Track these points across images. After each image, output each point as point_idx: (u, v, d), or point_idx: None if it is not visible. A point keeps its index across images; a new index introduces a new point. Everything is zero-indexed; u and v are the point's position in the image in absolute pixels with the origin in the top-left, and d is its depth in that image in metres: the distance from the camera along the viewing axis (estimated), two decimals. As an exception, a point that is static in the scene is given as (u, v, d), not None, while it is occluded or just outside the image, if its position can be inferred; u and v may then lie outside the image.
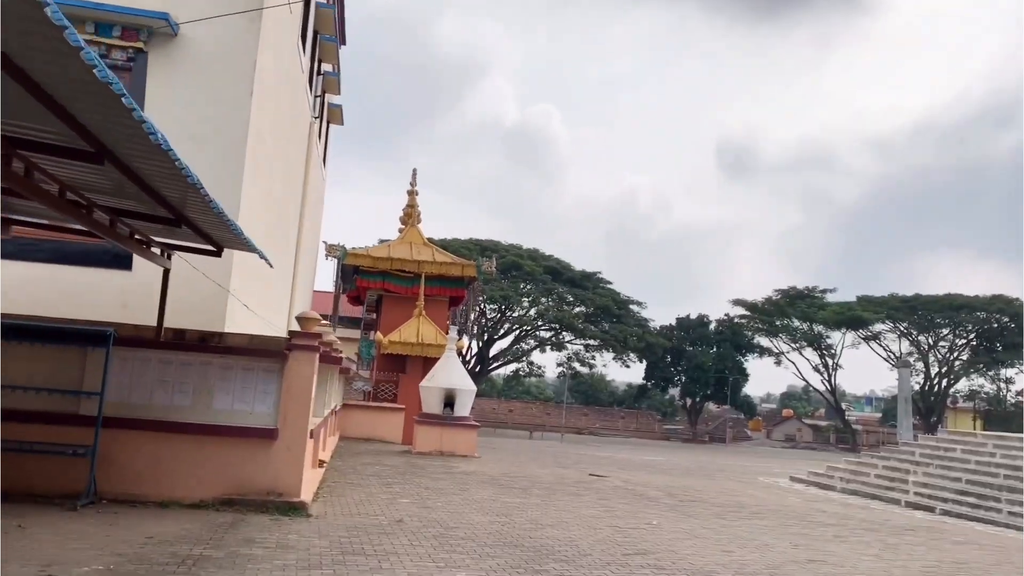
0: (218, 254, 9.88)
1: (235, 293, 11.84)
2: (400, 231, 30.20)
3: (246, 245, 8.63)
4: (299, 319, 10.16)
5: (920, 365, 62.00)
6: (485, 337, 59.62)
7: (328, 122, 25.82)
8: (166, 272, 10.03)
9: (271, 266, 9.76)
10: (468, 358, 60.86)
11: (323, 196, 27.26)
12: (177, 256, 10.42)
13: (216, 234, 8.88)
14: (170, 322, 10.53)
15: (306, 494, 10.22)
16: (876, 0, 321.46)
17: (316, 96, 20.86)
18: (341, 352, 17.26)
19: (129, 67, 11.63)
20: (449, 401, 20.95)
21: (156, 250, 9.72)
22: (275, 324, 15.89)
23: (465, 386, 21.12)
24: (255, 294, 13.88)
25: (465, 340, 38.49)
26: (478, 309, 35.06)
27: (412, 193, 30.55)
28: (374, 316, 29.06)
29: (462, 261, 28.32)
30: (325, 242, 27.26)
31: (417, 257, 27.88)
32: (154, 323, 10.27)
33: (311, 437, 10.49)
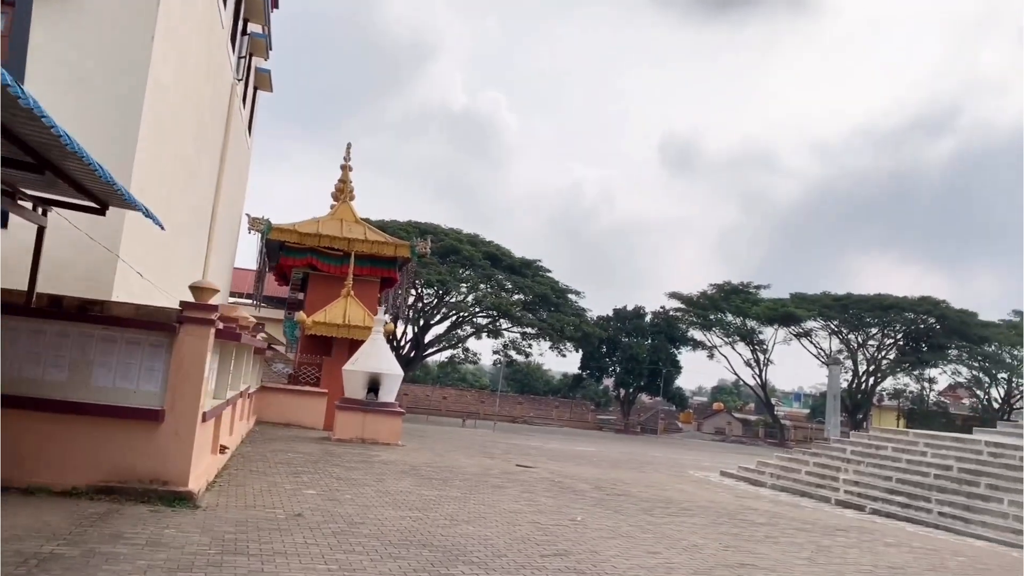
0: (102, 212, 8.74)
1: (128, 259, 10.69)
2: (332, 208, 28.94)
3: (126, 200, 7.54)
4: (193, 288, 9.11)
5: (849, 363, 63.08)
6: (421, 322, 58.53)
7: (255, 88, 24.44)
8: (40, 230, 8.85)
9: (162, 228, 8.66)
10: (402, 343, 59.75)
11: (247, 165, 25.85)
12: (60, 214, 9.23)
13: (94, 187, 7.76)
14: (50, 288, 9.36)
15: (197, 483, 9.21)
16: (822, 4, 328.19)
17: (241, 57, 19.55)
18: (255, 330, 16.14)
19: (12, 0, 10.34)
20: (373, 386, 19.97)
21: (27, 204, 8.53)
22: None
23: (391, 371, 20.16)
24: (157, 265, 12.70)
25: (399, 325, 37.46)
26: (413, 292, 33.95)
27: (345, 168, 29.30)
28: (300, 296, 27.79)
29: (395, 240, 27.23)
30: (248, 215, 25.90)
31: (348, 235, 26.71)
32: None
33: (204, 420, 9.46)
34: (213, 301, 9.34)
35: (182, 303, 9.08)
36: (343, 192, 28.98)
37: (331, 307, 24.31)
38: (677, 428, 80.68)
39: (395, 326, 31.09)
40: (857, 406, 70.91)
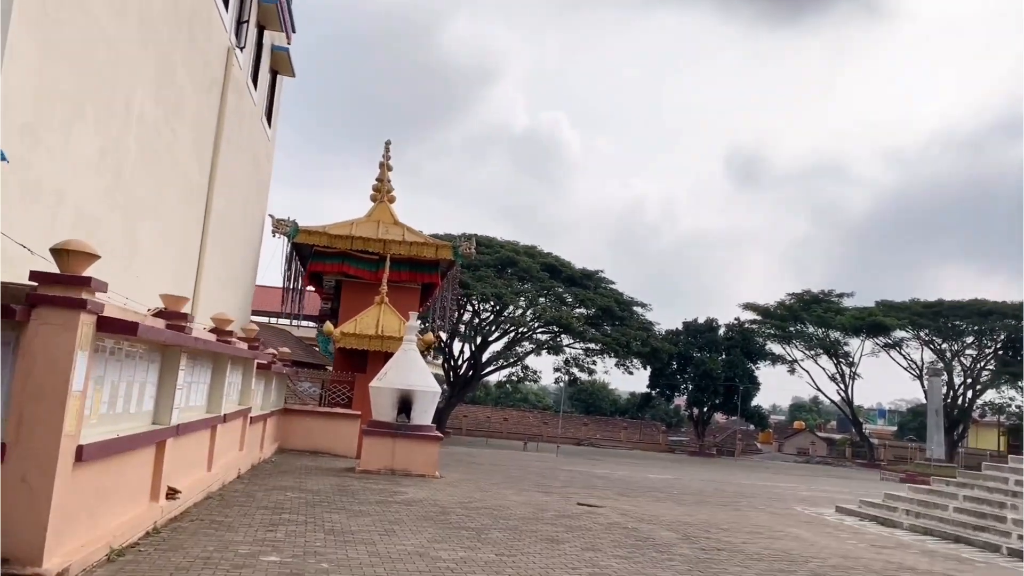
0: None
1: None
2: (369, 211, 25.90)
3: None
4: (55, 252, 5.85)
5: (943, 375, 57.24)
6: (478, 339, 55.31)
7: (274, 71, 21.56)
8: None
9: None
10: (459, 362, 56.58)
11: (268, 158, 22.99)
12: None
13: None
14: None
15: (67, 558, 5.88)
16: (894, 7, 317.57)
17: (242, 21, 16.59)
18: (254, 342, 12.97)
19: None
20: (405, 406, 16.61)
21: None
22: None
23: (426, 387, 16.77)
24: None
25: (444, 335, 34.19)
26: (461, 304, 30.64)
27: (384, 166, 26.28)
28: (329, 305, 24.76)
29: (436, 241, 23.98)
30: (271, 216, 22.98)
31: (383, 236, 23.59)
32: None
33: (83, 459, 6.13)
34: (228, 319, 6.07)
35: (34, 275, 5.82)
36: (380, 192, 25.94)
37: (363, 316, 21.13)
38: (756, 449, 75.42)
39: (436, 336, 27.92)
40: (954, 423, 64.77)
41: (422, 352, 20.50)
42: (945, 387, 66.19)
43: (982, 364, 62.07)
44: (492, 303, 53.09)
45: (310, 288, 26.07)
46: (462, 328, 54.08)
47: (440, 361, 60.57)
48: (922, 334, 63.43)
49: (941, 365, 58.15)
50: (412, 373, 16.86)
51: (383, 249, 23.23)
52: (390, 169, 26.27)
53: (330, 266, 23.77)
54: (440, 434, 16.93)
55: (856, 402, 70.95)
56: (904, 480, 41.04)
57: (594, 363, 58.17)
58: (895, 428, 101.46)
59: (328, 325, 20.63)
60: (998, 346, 62.19)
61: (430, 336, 20.91)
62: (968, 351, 63.41)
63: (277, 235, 22.92)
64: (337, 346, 20.98)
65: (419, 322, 17.92)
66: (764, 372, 67.25)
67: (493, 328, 54.90)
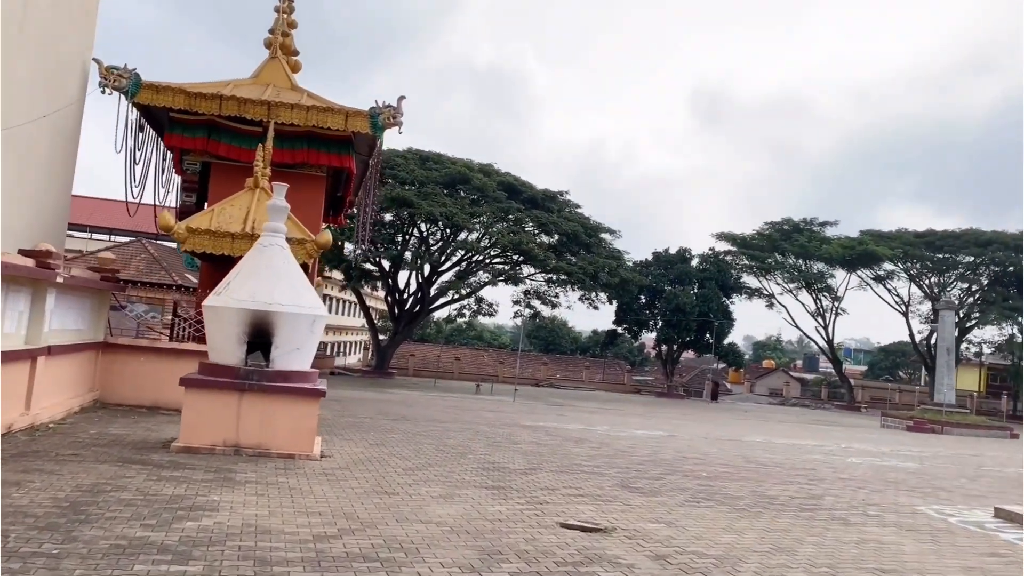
0: None
1: None
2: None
3: None
4: None
5: (955, 309, 51.92)
6: (426, 269, 48.39)
7: None
8: None
9: None
10: (404, 295, 49.68)
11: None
12: None
13: None
14: None
15: None
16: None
17: None
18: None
19: None
20: (260, 339, 9.76)
21: None
22: None
23: (297, 308, 9.86)
24: None
25: (362, 247, 27.22)
26: (377, 197, 23.47)
27: (283, 10, 18.89)
28: (192, 199, 17.53)
29: (344, 107, 16.76)
30: (97, 61, 15.56)
31: (269, 98, 16.36)
32: None
33: None
34: None
35: None
36: (275, 45, 18.60)
37: (225, 205, 14.03)
38: (726, 390, 70.36)
39: (361, 245, 21.32)
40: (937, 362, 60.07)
41: (306, 262, 13.57)
42: (928, 325, 61.50)
43: (976, 298, 57.04)
44: (442, 226, 46.03)
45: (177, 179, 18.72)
46: (408, 256, 47.08)
47: (383, 294, 53.73)
48: (910, 267, 58.13)
49: (955, 297, 52.86)
50: (276, 284, 9.94)
51: (267, 115, 16.02)
52: (289, 12, 18.89)
53: (192, 140, 16.48)
54: (322, 387, 10.08)
55: (816, 342, 65.90)
56: (912, 428, 35.66)
57: (557, 296, 51.77)
58: (865, 368, 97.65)
59: (165, 216, 13.45)
60: (984, 282, 57.16)
61: (326, 236, 13.93)
62: (960, 285, 58.32)
63: (108, 90, 15.55)
64: (184, 249, 13.89)
65: (286, 203, 10.89)
66: (736, 307, 61.56)
67: (443, 256, 47.96)
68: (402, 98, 16.65)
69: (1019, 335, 55.32)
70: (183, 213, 16.67)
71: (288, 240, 13.51)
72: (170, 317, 14.53)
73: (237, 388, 9.58)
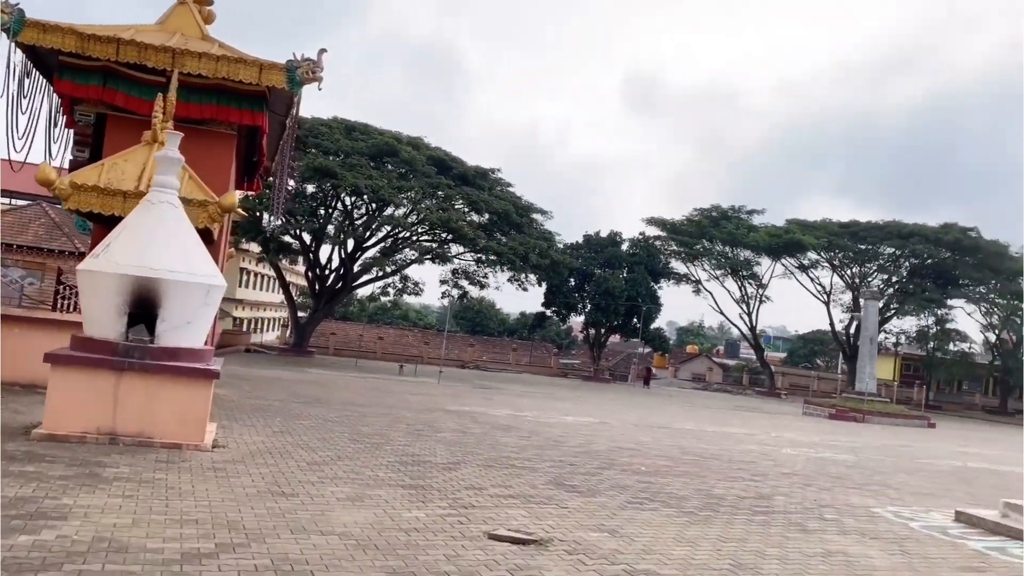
0: None
1: None
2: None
3: None
4: None
5: (881, 298, 52.91)
6: (350, 244, 46.64)
7: None
8: None
9: None
10: (326, 270, 47.83)
11: None
12: None
13: None
14: None
15: None
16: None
17: None
18: None
19: None
20: (143, 310, 8.39)
21: None
22: None
23: (188, 275, 8.52)
24: None
25: (277, 215, 25.55)
26: (293, 161, 21.94)
27: (191, -47, 17.11)
28: (86, 154, 15.80)
29: (260, 60, 15.25)
30: (-30, -11, 13.67)
31: (175, 44, 14.72)
32: None
33: None
34: None
35: None
36: (184, -10, 16.85)
37: (117, 160, 12.45)
38: (651, 374, 70.60)
39: (274, 211, 19.97)
40: (856, 350, 61.48)
41: (209, 226, 12.15)
42: (848, 315, 62.79)
43: (895, 289, 58.33)
44: (367, 199, 44.34)
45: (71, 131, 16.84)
46: (330, 229, 45.24)
47: (303, 269, 51.73)
48: (833, 256, 59.08)
49: (877, 288, 53.86)
50: (165, 248, 8.56)
51: (171, 63, 14.38)
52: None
53: (85, 88, 14.70)
54: (214, 368, 8.75)
55: (738, 328, 66.75)
56: (835, 416, 35.97)
57: (486, 276, 50.66)
58: (784, 355, 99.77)
59: (45, 169, 11.78)
60: (903, 274, 58.52)
61: (231, 198, 12.49)
62: (880, 276, 59.57)
63: (-15, 27, 13.68)
64: (68, 208, 12.25)
65: (179, 155, 9.50)
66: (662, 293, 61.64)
67: (368, 231, 46.27)
68: (323, 51, 15.20)
69: (935, 326, 56.79)
70: (75, 170, 14.91)
71: (188, 202, 12.07)
72: (35, 283, 12.80)
73: (114, 367, 8.21)
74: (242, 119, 15.51)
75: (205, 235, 14.28)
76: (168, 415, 8.30)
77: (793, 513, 7.96)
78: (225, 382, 18.81)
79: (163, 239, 8.59)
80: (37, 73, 15.51)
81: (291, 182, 44.61)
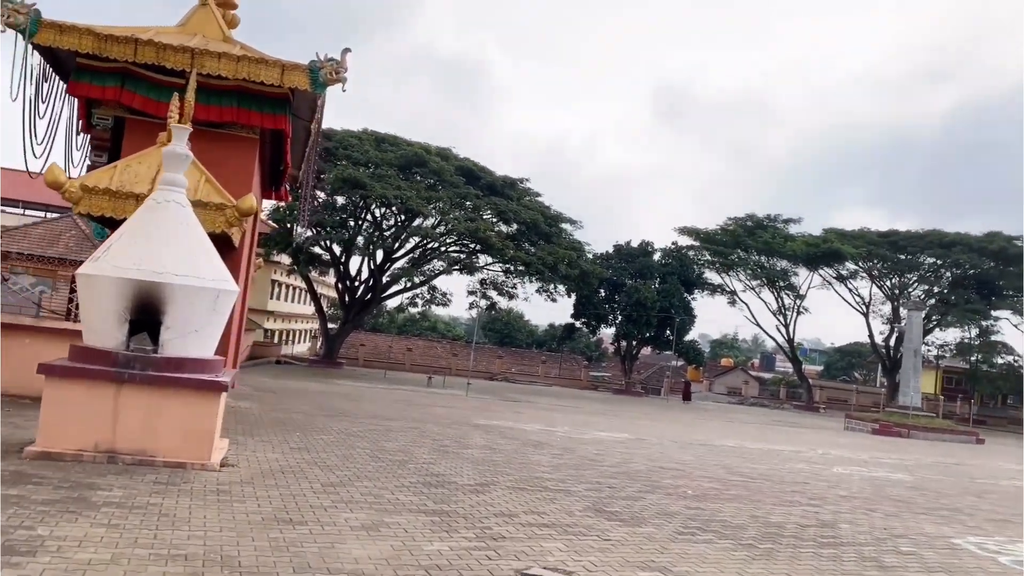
0: None
1: None
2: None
3: None
4: None
5: (924, 309, 51.26)
6: (379, 255, 46.17)
7: None
8: None
9: None
10: (356, 281, 47.41)
11: None
12: None
13: None
14: None
15: None
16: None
17: None
18: None
19: None
20: (146, 317, 7.73)
21: None
22: None
23: (197, 280, 7.87)
24: None
25: (303, 227, 25.02)
26: (317, 165, 21.36)
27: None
28: (104, 158, 15.35)
29: (283, 60, 14.71)
30: (-15, -11, 13.28)
31: (192, 44, 14.23)
32: None
33: None
34: None
35: None
36: (207, -9, 16.40)
37: (130, 162, 11.92)
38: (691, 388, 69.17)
39: (304, 220, 19.58)
40: (896, 363, 59.72)
41: (222, 233, 11.55)
42: (888, 326, 61.05)
43: (936, 300, 56.58)
44: (396, 211, 43.89)
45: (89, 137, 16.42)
46: (360, 241, 44.79)
47: (333, 280, 51.37)
48: (872, 266, 57.45)
49: (923, 297, 52.24)
50: (170, 250, 7.93)
51: (190, 64, 13.89)
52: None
53: (102, 90, 14.28)
54: (224, 380, 8.05)
55: (770, 341, 65.17)
56: (878, 431, 34.62)
57: (514, 287, 49.93)
58: (820, 368, 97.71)
59: (54, 170, 11.25)
60: (944, 285, 56.74)
61: (249, 201, 11.90)
62: (921, 286, 57.84)
63: (1, 27, 13.28)
64: (79, 212, 11.74)
65: (188, 151, 8.88)
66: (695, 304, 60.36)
67: (396, 242, 45.76)
68: (347, 51, 14.63)
69: (979, 338, 54.95)
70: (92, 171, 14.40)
71: (204, 205, 11.52)
72: (48, 291, 12.30)
73: (114, 378, 7.57)
74: (264, 122, 14.99)
75: (225, 241, 13.74)
76: (172, 431, 7.64)
77: (865, 545, 7.07)
78: (250, 394, 18.26)
79: (169, 240, 7.95)
80: (56, 77, 15.14)
81: (321, 194, 44.43)
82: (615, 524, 6.98)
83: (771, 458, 15.67)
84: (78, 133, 16.14)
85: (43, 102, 14.55)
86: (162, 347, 7.79)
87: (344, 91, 14.60)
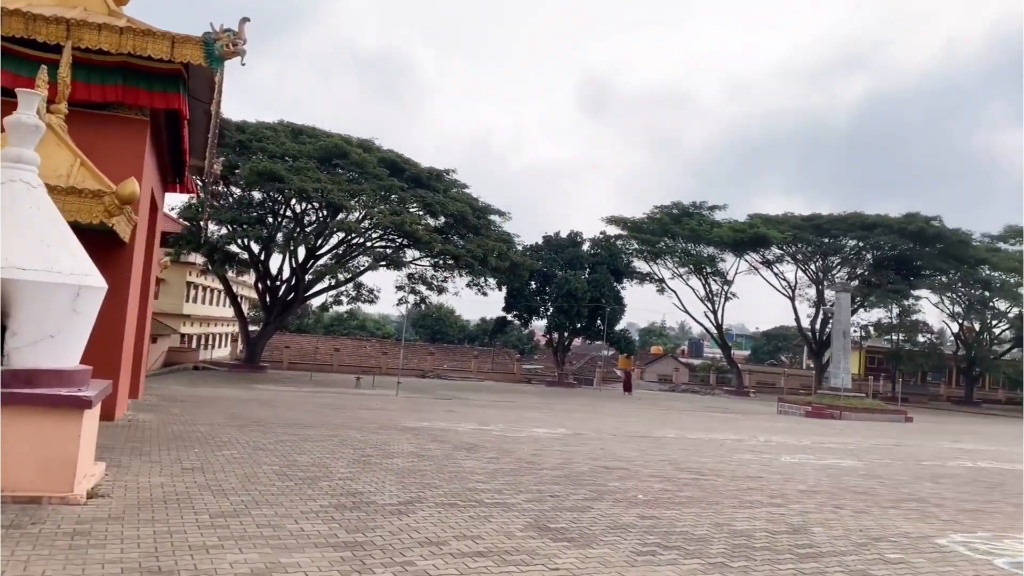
0: None
1: None
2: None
3: None
4: None
5: (851, 290, 51.98)
6: (301, 252, 44.27)
7: None
8: None
9: None
10: (277, 281, 45.37)
11: None
12: None
13: None
14: None
15: None
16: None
17: None
18: None
19: None
20: (-14, 320, 6.31)
21: None
22: None
23: (49, 274, 6.48)
24: None
25: (204, 219, 23.36)
26: (220, 152, 19.72)
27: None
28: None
29: (171, 33, 13.19)
30: None
31: (67, 15, 12.59)
32: None
33: None
34: None
35: None
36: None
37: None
38: (616, 376, 69.12)
39: (205, 204, 18.31)
40: (823, 346, 60.72)
41: (102, 225, 10.12)
42: (814, 309, 61.96)
43: (859, 281, 57.58)
44: (317, 205, 42.11)
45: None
46: (280, 237, 42.78)
47: (253, 280, 49.19)
48: (798, 250, 58.10)
49: (847, 279, 52.92)
50: (14, 238, 6.51)
51: (65, 36, 12.28)
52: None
53: (-40, 67, 12.55)
54: (87, 394, 6.67)
55: (692, 326, 65.52)
56: (811, 414, 34.66)
57: (444, 281, 48.69)
58: (748, 353, 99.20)
59: None
60: (867, 265, 57.83)
61: (130, 187, 10.44)
62: (843, 268, 58.80)
63: None
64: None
65: (38, 120, 7.43)
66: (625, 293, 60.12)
67: (319, 239, 43.92)
68: (245, 20, 13.18)
69: (899, 317, 56.18)
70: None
71: (79, 192, 10.02)
72: None
73: (-57, 399, 6.14)
74: (154, 102, 13.40)
75: (110, 236, 12.19)
76: (22, 460, 6.26)
77: (846, 554, 6.18)
78: (154, 405, 16.66)
79: (13, 227, 6.54)
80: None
81: (236, 190, 42.30)
82: (563, 546, 5.92)
83: (715, 449, 14.92)
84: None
85: None
86: (7, 358, 6.39)
87: (243, 64, 13.16)
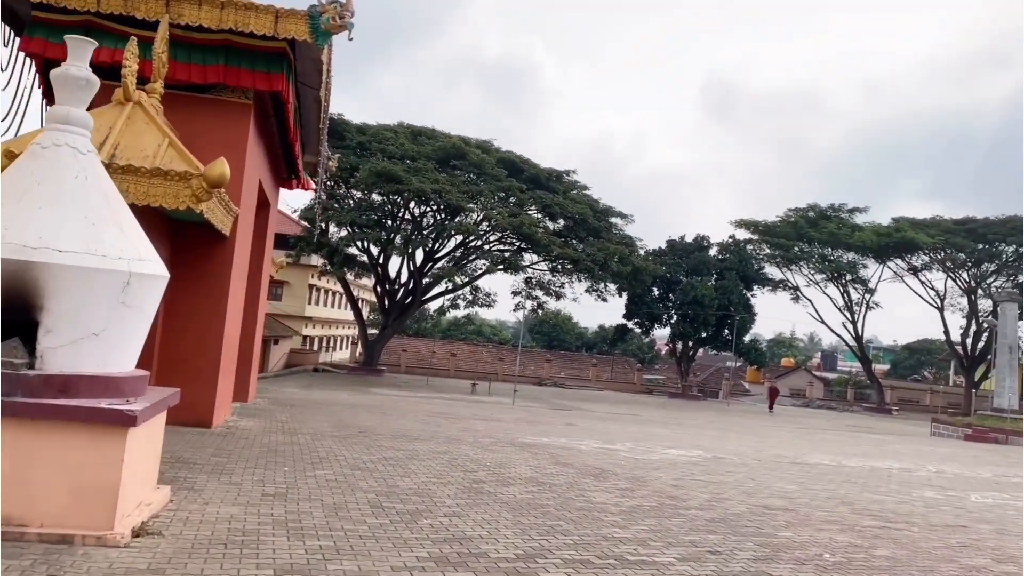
0: None
1: None
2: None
3: None
4: None
5: (1018, 301, 47.07)
6: (419, 255, 43.74)
7: None
8: None
9: None
10: (395, 284, 45.02)
11: None
12: None
13: None
14: None
15: None
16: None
17: None
18: None
19: None
20: (15, 313, 5.11)
21: None
22: None
23: (93, 257, 5.26)
24: None
25: (319, 214, 22.48)
26: (330, 151, 18.68)
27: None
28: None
29: (274, 7, 12.20)
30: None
31: (169, -8, 11.74)
32: None
33: None
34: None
35: None
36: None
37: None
38: (743, 390, 65.58)
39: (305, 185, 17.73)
40: (975, 361, 55.34)
41: (193, 207, 9.04)
42: (966, 321, 56.68)
43: (1021, 291, 52.11)
44: (435, 207, 41.39)
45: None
46: (398, 240, 42.31)
47: (372, 283, 49.15)
48: (948, 256, 53.13)
49: (1011, 287, 48.02)
50: (53, 213, 5.32)
51: (163, 11, 11.44)
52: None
53: (61, 48, 11.89)
54: (135, 408, 5.41)
55: (825, 337, 60.81)
56: (971, 437, 30.95)
57: (562, 286, 47.07)
58: (887, 367, 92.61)
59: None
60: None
61: (220, 168, 9.28)
62: (999, 277, 53.41)
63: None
64: None
65: (90, 73, 6.24)
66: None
67: (437, 241, 43.24)
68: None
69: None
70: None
71: (165, 174, 8.97)
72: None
73: (-38, 409, 4.97)
74: (257, 83, 12.40)
75: (208, 229, 11.23)
76: (52, 486, 5.03)
77: None
78: (262, 410, 15.80)
79: (53, 201, 5.36)
80: (12, 34, 12.84)
81: (356, 192, 42.17)
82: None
83: (885, 482, 12.62)
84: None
85: (2, 71, 12.23)
86: (41, 360, 5.19)
87: (351, 39, 11.96)
